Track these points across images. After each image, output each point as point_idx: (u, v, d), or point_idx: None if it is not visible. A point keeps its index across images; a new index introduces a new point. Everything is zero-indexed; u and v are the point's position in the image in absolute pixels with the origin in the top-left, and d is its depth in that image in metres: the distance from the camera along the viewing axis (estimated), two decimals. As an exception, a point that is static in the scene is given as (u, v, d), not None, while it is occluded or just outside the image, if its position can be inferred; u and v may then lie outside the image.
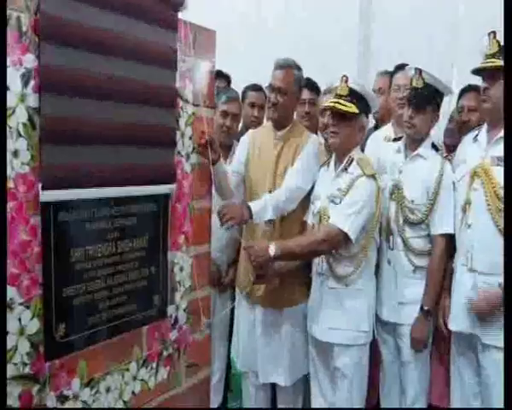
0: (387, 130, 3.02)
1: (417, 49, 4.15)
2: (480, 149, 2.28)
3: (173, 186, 1.94)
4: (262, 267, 2.31)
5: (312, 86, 3.02)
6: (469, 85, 2.74)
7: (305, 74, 2.70)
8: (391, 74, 3.31)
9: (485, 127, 2.32)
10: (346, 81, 2.33)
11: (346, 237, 2.25)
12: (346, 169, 2.35)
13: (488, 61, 2.19)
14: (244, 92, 3.30)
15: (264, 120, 3.18)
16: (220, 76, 3.39)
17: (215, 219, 2.31)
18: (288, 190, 2.47)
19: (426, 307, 2.38)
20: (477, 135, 2.35)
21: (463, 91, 2.84)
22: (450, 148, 2.75)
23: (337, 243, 2.29)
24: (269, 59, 2.64)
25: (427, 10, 4.38)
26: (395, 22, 4.55)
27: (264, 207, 2.41)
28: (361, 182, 2.29)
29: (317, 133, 2.94)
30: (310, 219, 2.51)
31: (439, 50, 4.23)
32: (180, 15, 1.92)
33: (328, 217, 2.32)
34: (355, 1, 4.83)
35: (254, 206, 2.41)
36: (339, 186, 2.33)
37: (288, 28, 4.94)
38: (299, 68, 2.60)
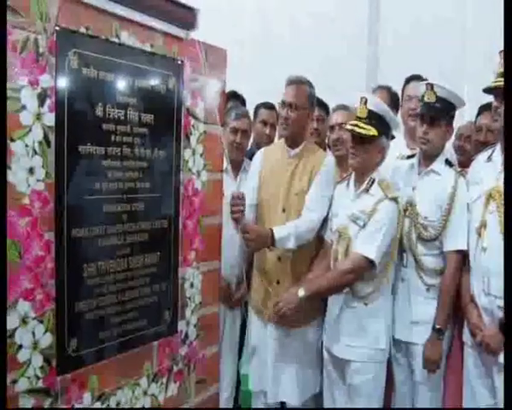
0: (399, 143, 3.00)
1: (426, 65, 4.16)
2: (495, 170, 2.23)
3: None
4: (291, 314, 2.32)
5: (320, 103, 3.04)
6: (487, 104, 2.62)
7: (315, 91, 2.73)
8: (388, 89, 3.31)
9: (498, 147, 2.26)
10: (366, 103, 2.31)
11: (371, 263, 2.25)
12: (367, 190, 2.35)
13: (499, 79, 2.14)
14: (256, 110, 3.32)
15: (276, 139, 3.20)
16: (234, 97, 3.42)
17: (225, 235, 2.32)
18: (310, 221, 2.49)
19: (438, 326, 2.34)
20: (491, 155, 2.30)
21: (482, 109, 2.78)
22: (462, 164, 2.72)
23: (363, 271, 2.29)
24: (278, 77, 2.68)
25: (436, 26, 4.40)
26: (403, 39, 4.57)
27: (287, 236, 2.43)
28: (384, 205, 2.29)
29: (325, 149, 2.95)
30: (327, 236, 2.52)
31: (449, 66, 4.24)
32: (192, 34, 1.97)
33: (349, 237, 2.33)
34: (363, 18, 4.87)
35: (278, 233, 2.42)
36: (362, 208, 2.32)
37: (297, 47, 4.98)
38: (310, 85, 2.62)
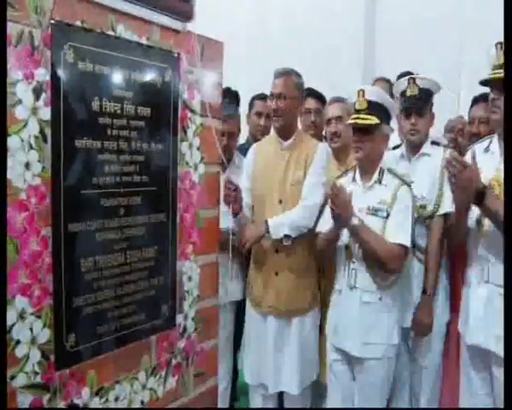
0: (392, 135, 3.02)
1: (422, 56, 4.16)
2: (494, 160, 2.23)
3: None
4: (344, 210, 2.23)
5: (318, 96, 3.04)
6: (480, 95, 2.71)
7: (311, 84, 2.72)
8: (387, 81, 3.32)
9: (496, 137, 2.27)
10: (363, 95, 2.31)
11: (405, 251, 2.29)
12: (380, 181, 2.36)
13: (496, 71, 2.14)
14: (251, 102, 3.32)
15: (272, 131, 3.19)
16: (228, 93, 3.40)
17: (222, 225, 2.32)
18: (303, 207, 2.50)
19: (427, 290, 2.43)
20: (488, 145, 2.30)
21: (474, 102, 2.84)
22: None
23: (401, 260, 2.31)
24: (273, 69, 2.67)
25: (432, 18, 4.40)
26: (400, 31, 4.57)
27: (281, 223, 2.48)
28: (403, 191, 2.32)
29: (322, 141, 2.95)
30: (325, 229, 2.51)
31: (445, 57, 4.24)
32: (188, 27, 1.95)
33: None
34: (360, 10, 4.86)
35: (272, 220, 2.49)
36: (380, 198, 2.32)
37: (293, 39, 4.98)
38: (298, 75, 2.64)
